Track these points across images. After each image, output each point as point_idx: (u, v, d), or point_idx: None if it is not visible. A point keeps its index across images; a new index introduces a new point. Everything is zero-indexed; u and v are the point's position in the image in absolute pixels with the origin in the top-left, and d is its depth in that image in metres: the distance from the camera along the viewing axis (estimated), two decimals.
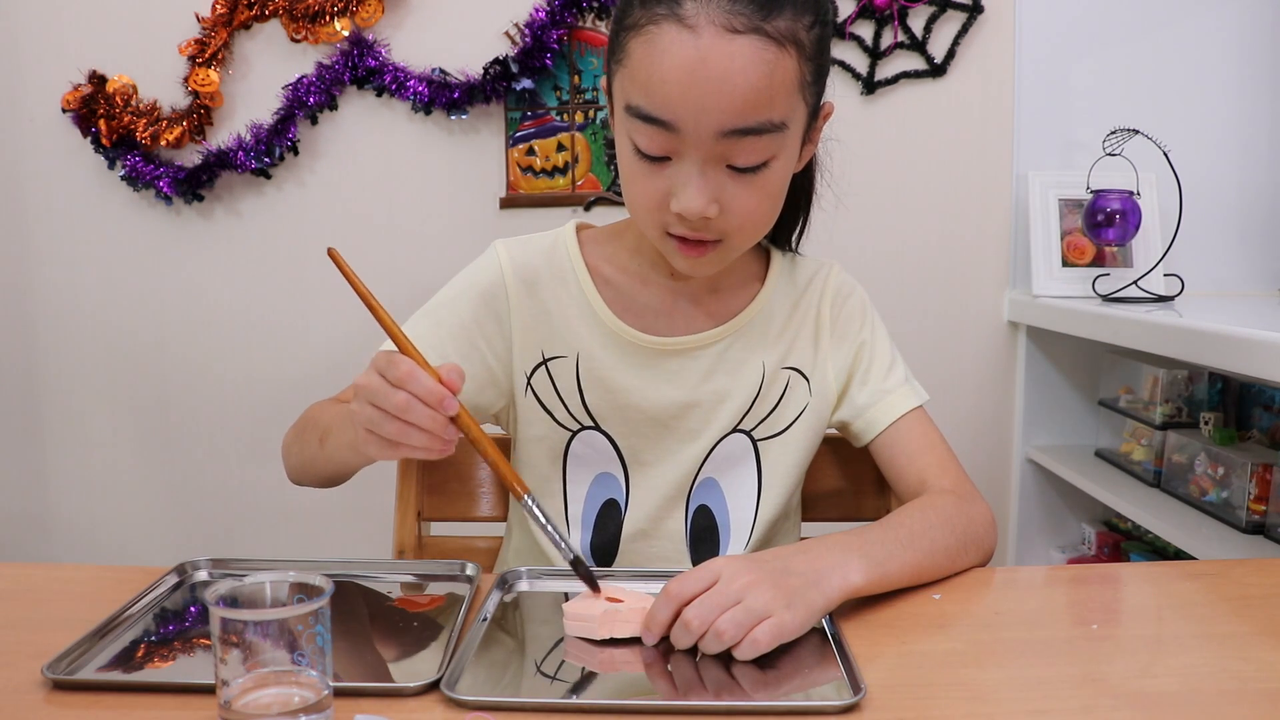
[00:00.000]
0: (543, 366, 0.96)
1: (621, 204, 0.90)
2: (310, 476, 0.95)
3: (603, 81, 0.90)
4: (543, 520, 0.75)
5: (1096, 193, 1.73)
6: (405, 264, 1.90)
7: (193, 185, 1.87)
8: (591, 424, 0.97)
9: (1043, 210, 1.82)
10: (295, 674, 0.56)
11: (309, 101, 1.85)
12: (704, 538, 0.98)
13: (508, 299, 0.96)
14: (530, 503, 0.75)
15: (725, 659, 0.67)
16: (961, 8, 1.83)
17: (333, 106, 1.87)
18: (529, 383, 0.97)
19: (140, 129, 1.84)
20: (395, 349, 0.74)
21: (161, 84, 1.87)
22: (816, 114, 0.87)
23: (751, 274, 1.01)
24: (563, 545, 0.75)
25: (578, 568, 0.74)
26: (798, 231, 1.03)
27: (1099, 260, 1.80)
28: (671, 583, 0.70)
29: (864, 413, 0.98)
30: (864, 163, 1.87)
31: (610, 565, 0.98)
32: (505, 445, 1.03)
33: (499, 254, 0.98)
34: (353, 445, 0.81)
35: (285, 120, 1.85)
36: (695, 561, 0.97)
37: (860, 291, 1.03)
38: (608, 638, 0.71)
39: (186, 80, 1.84)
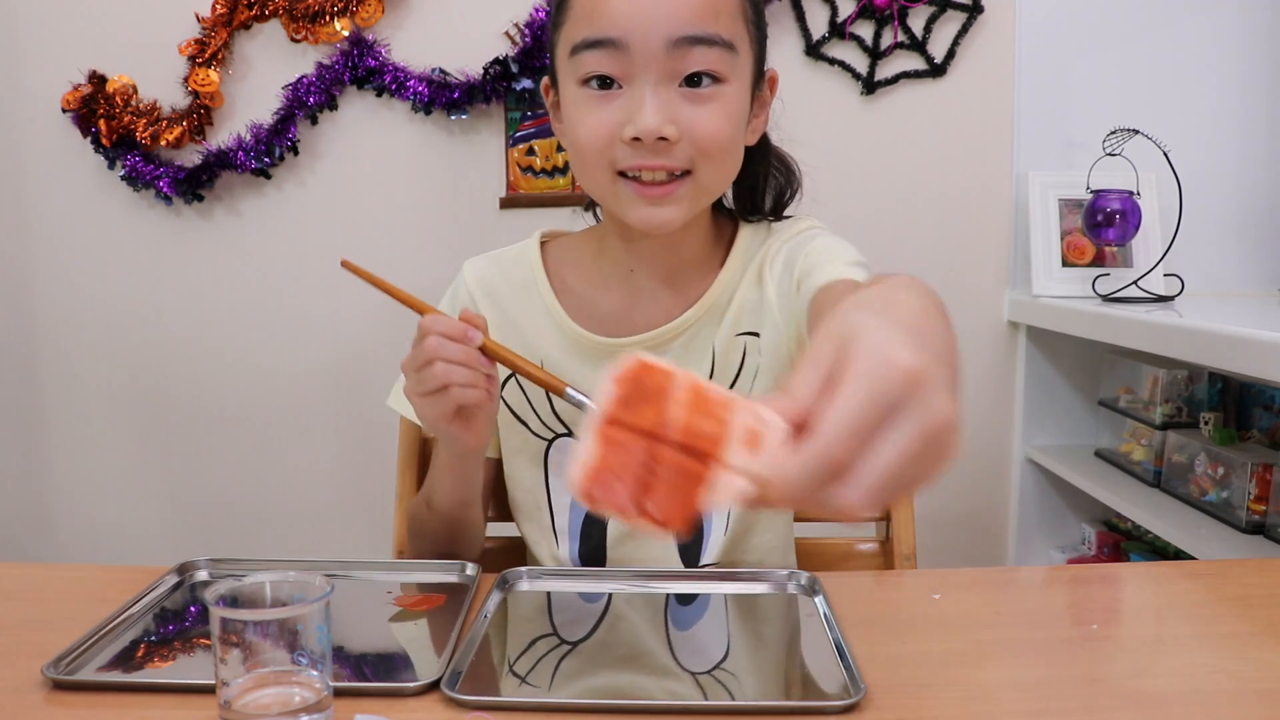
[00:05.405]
0: (512, 377, 0.96)
1: None
2: (442, 542, 0.94)
3: (544, 82, 0.92)
4: (591, 406, 0.70)
5: (1096, 193, 1.73)
6: (405, 264, 1.89)
7: (193, 185, 1.87)
8: (565, 430, 0.97)
9: (1043, 210, 1.82)
10: (295, 674, 0.56)
11: (309, 101, 1.84)
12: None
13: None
14: (574, 393, 0.72)
15: (724, 657, 0.67)
16: (961, 8, 1.83)
17: (333, 106, 1.86)
18: (501, 395, 0.97)
19: (140, 129, 1.84)
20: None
21: (161, 84, 1.86)
22: (762, 75, 0.89)
23: (715, 262, 0.96)
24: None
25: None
26: (760, 199, 0.99)
27: (1099, 260, 1.80)
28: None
29: (802, 285, 0.87)
30: (864, 163, 1.87)
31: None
32: (495, 466, 1.02)
33: (465, 274, 1.01)
34: (447, 466, 0.87)
35: (285, 120, 1.85)
36: (684, 557, 0.97)
37: (808, 220, 0.97)
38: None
39: (186, 80, 1.84)
